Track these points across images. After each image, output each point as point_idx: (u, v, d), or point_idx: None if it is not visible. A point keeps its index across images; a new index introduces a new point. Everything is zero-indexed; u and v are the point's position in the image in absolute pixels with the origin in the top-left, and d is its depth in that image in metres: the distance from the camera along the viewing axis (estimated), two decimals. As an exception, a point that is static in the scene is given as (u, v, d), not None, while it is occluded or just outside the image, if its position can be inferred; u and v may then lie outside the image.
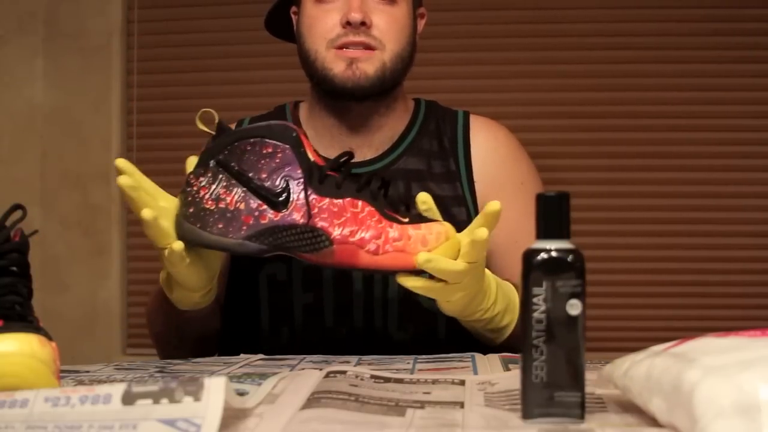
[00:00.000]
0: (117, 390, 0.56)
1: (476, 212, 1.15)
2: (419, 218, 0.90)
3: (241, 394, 0.68)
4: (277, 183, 0.89)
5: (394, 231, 0.87)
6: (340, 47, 1.11)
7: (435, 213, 0.92)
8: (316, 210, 0.88)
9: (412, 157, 1.17)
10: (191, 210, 0.89)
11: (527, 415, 0.59)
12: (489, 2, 2.31)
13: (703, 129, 2.27)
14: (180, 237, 0.89)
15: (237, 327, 1.18)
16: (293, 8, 1.22)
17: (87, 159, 2.38)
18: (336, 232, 0.87)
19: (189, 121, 2.07)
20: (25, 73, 2.39)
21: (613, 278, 2.24)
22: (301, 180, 0.89)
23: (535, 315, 0.58)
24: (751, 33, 2.26)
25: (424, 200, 0.91)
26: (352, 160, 1.15)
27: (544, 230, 0.60)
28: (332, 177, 0.90)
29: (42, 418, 0.55)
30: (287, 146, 0.90)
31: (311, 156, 0.90)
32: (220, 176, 0.89)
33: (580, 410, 0.58)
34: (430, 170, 1.17)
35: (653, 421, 0.57)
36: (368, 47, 1.11)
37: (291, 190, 0.88)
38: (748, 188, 2.25)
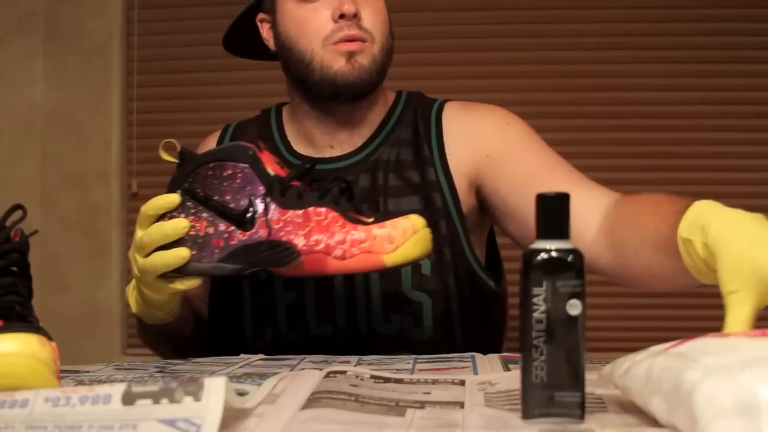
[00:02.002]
0: (117, 390, 0.56)
1: (453, 197, 1.14)
2: (384, 216, 0.90)
3: (241, 394, 0.68)
4: (242, 203, 0.90)
5: (359, 233, 0.88)
6: (336, 43, 1.10)
7: None
8: (281, 224, 0.89)
9: (389, 147, 1.17)
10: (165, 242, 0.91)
11: (527, 415, 0.59)
12: (487, 2, 2.31)
13: (701, 129, 2.27)
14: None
15: (222, 329, 1.19)
16: (260, 16, 1.20)
17: (87, 159, 2.38)
18: (301, 243, 0.88)
19: (189, 121, 2.10)
20: (25, 74, 2.39)
21: (613, 278, 2.24)
22: (264, 196, 0.91)
23: (535, 315, 0.58)
24: (749, 33, 2.26)
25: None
26: (334, 155, 1.17)
27: (544, 230, 0.60)
28: (294, 187, 0.92)
29: (42, 418, 0.55)
30: (246, 165, 0.91)
31: (271, 170, 0.92)
32: (188, 204, 0.91)
33: (580, 410, 0.58)
34: (406, 159, 1.17)
35: (653, 421, 0.57)
36: (360, 40, 1.10)
37: (255, 208, 0.90)
38: (748, 188, 2.25)
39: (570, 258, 0.59)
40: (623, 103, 2.28)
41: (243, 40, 1.24)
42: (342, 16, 1.09)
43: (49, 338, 0.72)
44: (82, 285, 2.37)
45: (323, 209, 0.89)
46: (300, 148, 1.20)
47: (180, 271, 0.91)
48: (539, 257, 0.59)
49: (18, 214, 0.77)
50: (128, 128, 2.41)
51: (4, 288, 0.73)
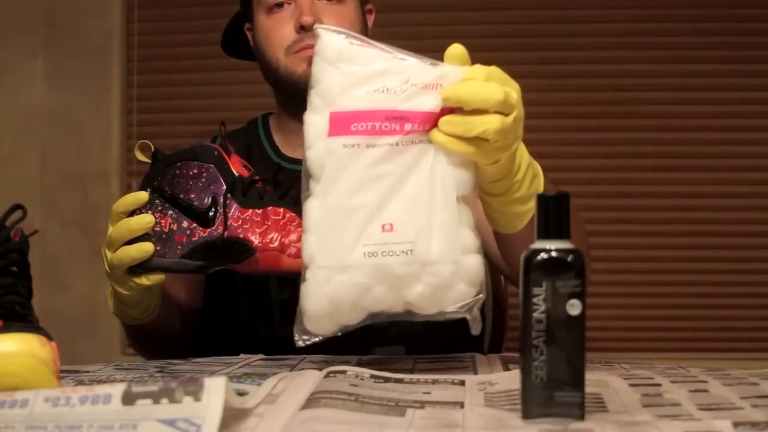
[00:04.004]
0: (117, 390, 0.56)
1: None
2: None
3: (241, 394, 0.68)
4: (205, 201, 0.93)
5: None
6: (298, 51, 1.15)
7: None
8: (240, 221, 0.92)
9: None
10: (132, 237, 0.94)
11: (527, 415, 0.59)
12: (489, 3, 2.31)
13: (703, 129, 2.27)
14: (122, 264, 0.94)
15: (217, 327, 1.21)
16: (247, 25, 1.26)
17: (87, 159, 2.38)
18: (257, 240, 0.91)
19: (189, 121, 2.11)
20: (25, 73, 2.38)
21: (613, 278, 2.24)
22: (226, 195, 0.93)
23: (535, 315, 0.58)
24: (751, 33, 2.25)
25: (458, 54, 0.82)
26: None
27: (544, 230, 0.60)
28: (256, 188, 0.94)
29: (42, 418, 0.55)
30: (211, 165, 0.94)
31: (236, 171, 0.95)
32: (156, 202, 0.94)
33: (580, 410, 0.58)
34: None
35: (653, 422, 0.57)
36: None
37: (218, 206, 0.93)
38: (749, 188, 2.25)
39: (570, 258, 0.59)
40: (625, 104, 2.28)
41: (242, 43, 1.29)
42: (302, 28, 1.14)
43: (49, 338, 0.72)
44: (82, 285, 2.37)
45: (281, 209, 0.92)
46: (288, 151, 1.24)
47: (145, 267, 0.93)
48: (539, 257, 0.59)
49: (18, 214, 0.77)
50: (128, 128, 2.40)
51: (4, 288, 0.73)
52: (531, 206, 0.86)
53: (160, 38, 2.40)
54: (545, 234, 0.60)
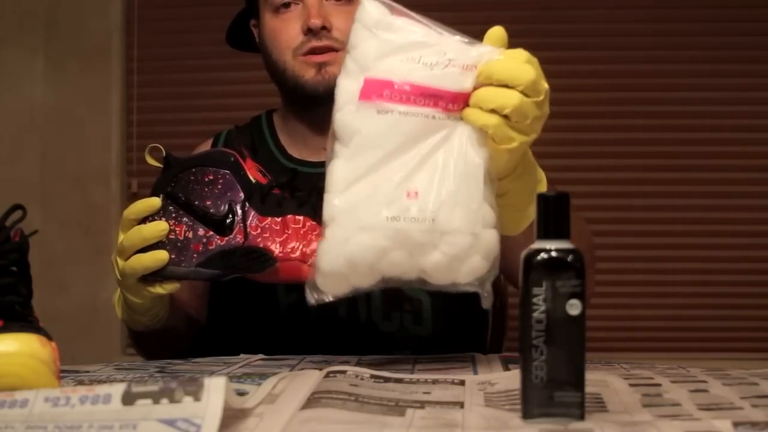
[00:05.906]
0: (117, 390, 0.56)
1: None
2: None
3: (241, 394, 0.68)
4: (222, 208, 0.91)
5: None
6: (306, 54, 1.13)
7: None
8: (259, 230, 0.90)
9: None
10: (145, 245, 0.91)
11: (527, 415, 0.59)
12: (490, 3, 2.31)
13: (703, 129, 2.27)
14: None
15: (223, 327, 1.20)
16: (252, 21, 1.24)
17: (87, 159, 2.38)
18: (277, 250, 0.89)
19: (189, 121, 2.11)
20: (25, 73, 2.38)
21: (613, 278, 2.24)
22: (243, 203, 0.92)
23: (535, 315, 0.58)
24: (752, 33, 2.26)
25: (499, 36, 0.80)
26: (323, 159, 1.19)
27: (544, 230, 0.60)
28: (274, 195, 0.93)
29: (42, 418, 0.55)
30: (227, 171, 0.92)
31: (252, 177, 0.93)
32: (170, 209, 0.92)
33: (580, 410, 0.58)
34: None
35: (653, 422, 0.57)
36: (332, 49, 1.13)
37: (235, 214, 0.91)
38: (749, 188, 2.25)
39: (570, 258, 0.59)
40: (626, 104, 2.28)
41: (248, 36, 1.27)
42: (310, 30, 1.12)
43: (49, 338, 0.72)
44: (82, 285, 2.37)
45: (301, 218, 0.91)
46: (294, 152, 1.22)
47: (159, 275, 0.91)
48: (539, 257, 0.59)
49: (18, 214, 0.77)
50: (128, 128, 2.41)
51: (4, 288, 0.73)
52: (529, 213, 0.85)
53: (160, 38, 2.40)
54: (545, 234, 0.60)
